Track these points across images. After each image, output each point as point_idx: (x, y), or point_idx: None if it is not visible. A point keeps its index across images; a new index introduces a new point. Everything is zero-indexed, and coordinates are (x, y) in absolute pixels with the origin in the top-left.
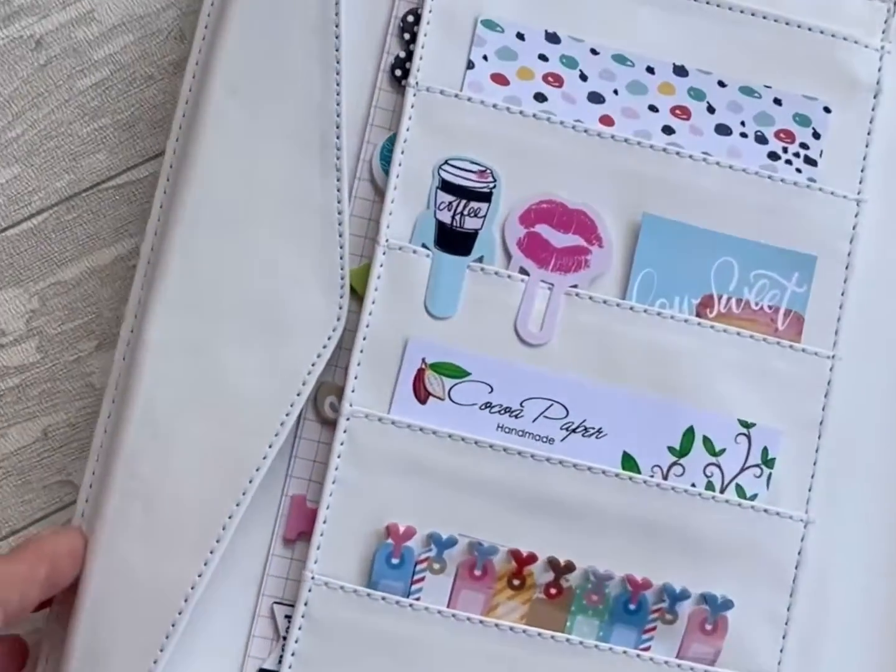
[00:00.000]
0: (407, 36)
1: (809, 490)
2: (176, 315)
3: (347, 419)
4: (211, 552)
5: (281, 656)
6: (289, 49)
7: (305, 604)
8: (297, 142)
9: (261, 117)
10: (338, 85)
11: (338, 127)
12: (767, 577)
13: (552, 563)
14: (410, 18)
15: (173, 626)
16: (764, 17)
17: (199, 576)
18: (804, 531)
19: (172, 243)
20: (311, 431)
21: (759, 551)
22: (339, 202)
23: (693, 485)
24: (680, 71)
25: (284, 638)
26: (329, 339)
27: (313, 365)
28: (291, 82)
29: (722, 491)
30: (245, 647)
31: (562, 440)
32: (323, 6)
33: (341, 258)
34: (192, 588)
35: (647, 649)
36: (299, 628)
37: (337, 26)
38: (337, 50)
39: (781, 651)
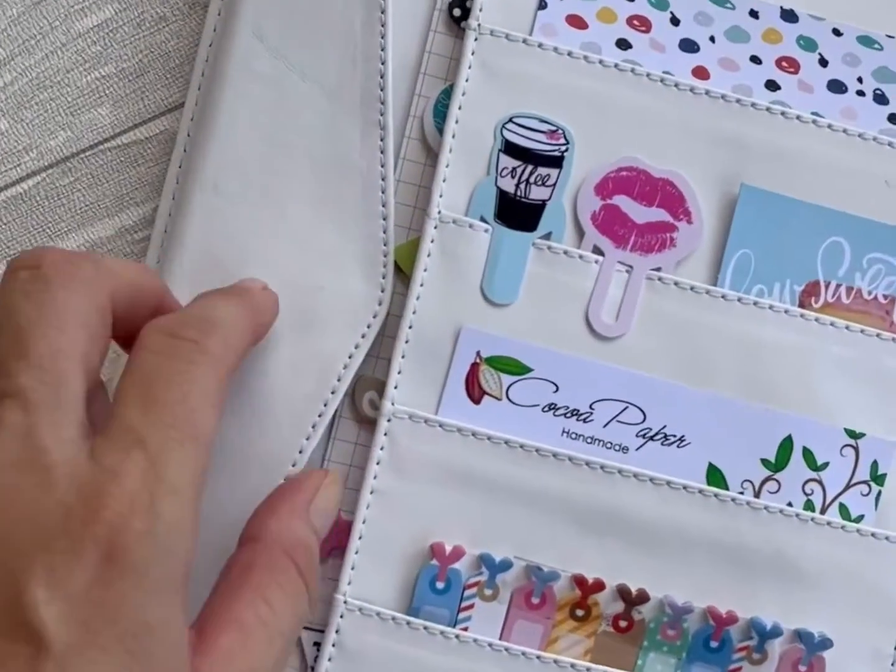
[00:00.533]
0: None
1: None
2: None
3: (389, 420)
4: None
5: None
6: None
7: (337, 631)
8: (333, 94)
9: (292, 65)
10: (382, 26)
11: (382, 76)
12: (873, 611)
13: (622, 592)
14: None
15: None
16: None
17: None
18: None
19: (190, 214)
20: (347, 432)
21: (865, 581)
22: (382, 165)
23: (790, 504)
24: (788, 16)
25: (312, 669)
26: (369, 326)
27: (350, 357)
28: (327, 23)
29: (823, 511)
30: None
31: (637, 449)
32: None
33: (384, 231)
34: None
35: None
36: (329, 659)
37: None
38: None
39: None
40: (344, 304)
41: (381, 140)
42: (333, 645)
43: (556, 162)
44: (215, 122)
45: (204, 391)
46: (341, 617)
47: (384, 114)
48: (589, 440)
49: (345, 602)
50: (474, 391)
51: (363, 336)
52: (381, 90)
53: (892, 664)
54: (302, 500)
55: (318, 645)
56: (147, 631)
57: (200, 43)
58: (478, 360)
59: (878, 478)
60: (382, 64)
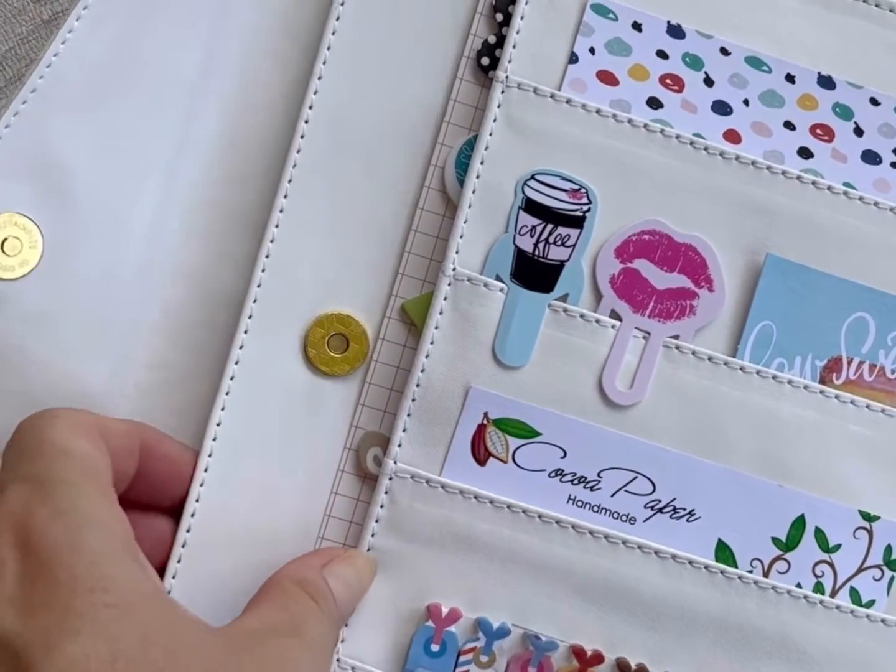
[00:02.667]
0: (499, 17)
1: None
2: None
3: (390, 478)
4: None
5: None
6: None
7: None
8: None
9: None
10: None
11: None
12: None
13: (621, 666)
14: None
15: None
16: None
17: None
18: None
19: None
20: (349, 487)
21: (872, 669)
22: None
23: (799, 585)
24: (826, 82)
25: None
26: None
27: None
28: None
29: (833, 595)
30: None
31: (645, 520)
32: None
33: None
34: None
35: None
36: None
37: None
38: None
39: None
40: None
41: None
42: None
43: (578, 222)
44: None
45: None
46: None
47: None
48: (595, 509)
49: (338, 660)
50: (480, 453)
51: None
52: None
53: None
54: (315, 558)
55: None
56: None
57: None
58: (485, 422)
59: (891, 562)
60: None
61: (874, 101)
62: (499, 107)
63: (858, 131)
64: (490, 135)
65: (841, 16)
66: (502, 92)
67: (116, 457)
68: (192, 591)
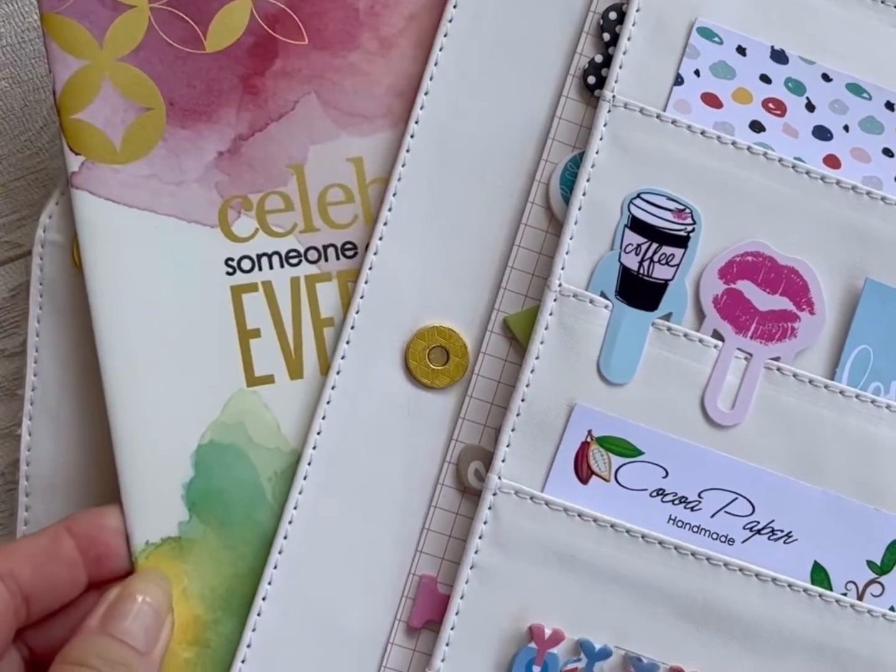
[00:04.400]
0: (606, 37)
1: None
2: None
3: (494, 494)
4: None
5: None
6: None
7: None
8: None
9: None
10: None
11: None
12: None
13: None
14: (613, 16)
15: None
16: None
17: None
18: None
19: None
20: (449, 501)
21: None
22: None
23: (892, 608)
24: None
25: None
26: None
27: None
28: None
29: None
30: None
31: (743, 542)
32: None
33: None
34: None
35: None
36: None
37: None
38: None
39: None
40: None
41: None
42: None
43: (682, 242)
44: None
45: None
46: None
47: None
48: (695, 529)
49: None
50: (583, 471)
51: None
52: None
53: None
54: (91, 620)
55: None
56: None
57: None
58: (588, 439)
59: None
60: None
61: None
62: (605, 125)
63: None
64: (597, 153)
65: None
66: (609, 111)
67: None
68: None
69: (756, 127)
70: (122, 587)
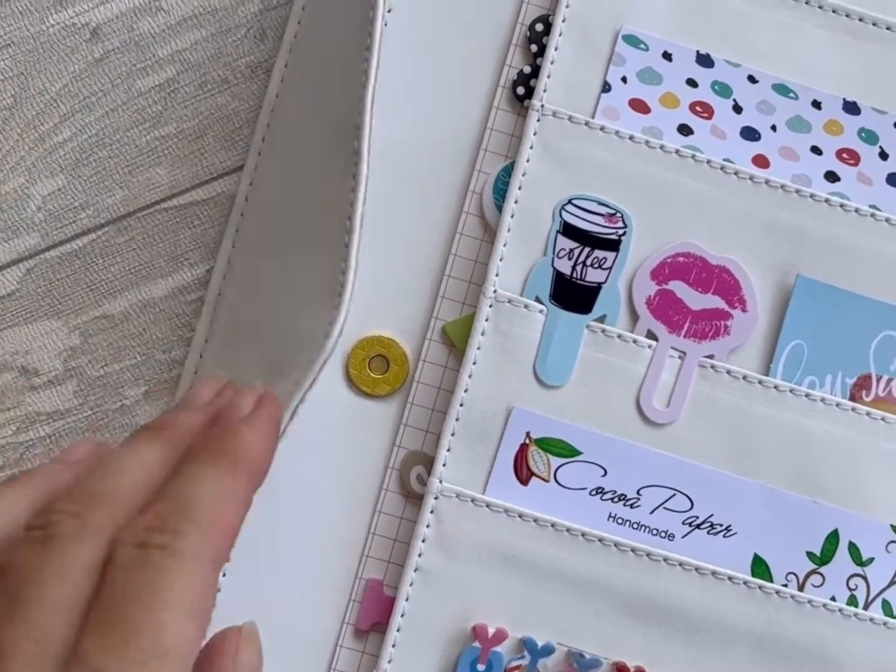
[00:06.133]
0: (534, 48)
1: None
2: (219, 357)
3: (436, 497)
4: None
5: None
6: (333, 17)
7: None
8: (328, 133)
9: (308, 113)
10: (368, 50)
11: (362, 100)
12: None
13: None
14: (540, 27)
15: None
16: None
17: None
18: None
19: (237, 279)
20: (393, 505)
21: None
22: (352, 191)
23: (833, 598)
24: (851, 108)
25: None
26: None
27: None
28: (330, 56)
29: (866, 607)
30: None
31: (683, 537)
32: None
33: (345, 260)
34: None
35: None
36: None
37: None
38: (373, 9)
39: None
40: (309, 344)
41: (355, 166)
42: None
43: (614, 245)
44: (265, 188)
45: (175, 600)
46: None
47: (359, 139)
48: (635, 526)
49: None
50: (523, 472)
51: (306, 372)
52: (360, 115)
53: None
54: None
55: None
56: None
57: (262, 107)
58: (527, 441)
59: None
60: (363, 88)
61: None
62: (535, 134)
63: (883, 155)
64: (527, 161)
65: (867, 43)
66: (538, 120)
67: None
68: None
69: (684, 130)
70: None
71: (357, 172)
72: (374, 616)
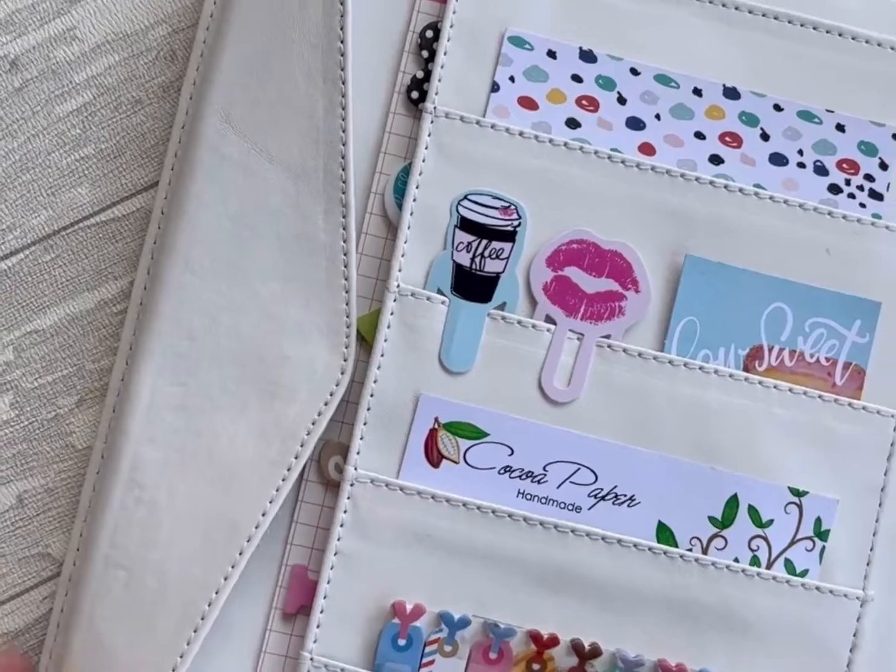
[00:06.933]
0: (425, 54)
1: (868, 565)
2: (166, 370)
3: (351, 484)
4: (194, 631)
5: None
6: (288, 68)
7: None
8: (298, 174)
9: (259, 148)
10: (343, 109)
11: (343, 157)
12: (819, 661)
13: (576, 647)
14: (430, 34)
15: None
16: (828, 32)
17: (181, 657)
18: (861, 610)
19: (163, 290)
20: (313, 494)
21: (809, 634)
22: (344, 241)
23: (736, 559)
24: (731, 93)
25: None
26: (331, 394)
27: (313, 424)
28: (291, 105)
29: (769, 566)
30: None
31: (589, 508)
32: (327, 19)
33: (347, 305)
34: (173, 671)
35: None
36: None
37: (342, 42)
38: (342, 69)
39: None
40: (308, 373)
41: (343, 217)
42: None
43: (510, 236)
44: (187, 201)
45: None
46: None
47: (346, 192)
48: (543, 500)
49: (311, 659)
50: (433, 455)
51: (326, 403)
52: (343, 170)
53: None
54: None
55: None
56: None
57: (174, 125)
58: (436, 426)
59: (821, 533)
60: (343, 145)
61: (777, 108)
62: (429, 135)
63: (765, 136)
64: (423, 161)
65: (742, 30)
66: (431, 122)
67: None
68: None
69: (572, 124)
70: None
71: (347, 224)
72: (300, 600)
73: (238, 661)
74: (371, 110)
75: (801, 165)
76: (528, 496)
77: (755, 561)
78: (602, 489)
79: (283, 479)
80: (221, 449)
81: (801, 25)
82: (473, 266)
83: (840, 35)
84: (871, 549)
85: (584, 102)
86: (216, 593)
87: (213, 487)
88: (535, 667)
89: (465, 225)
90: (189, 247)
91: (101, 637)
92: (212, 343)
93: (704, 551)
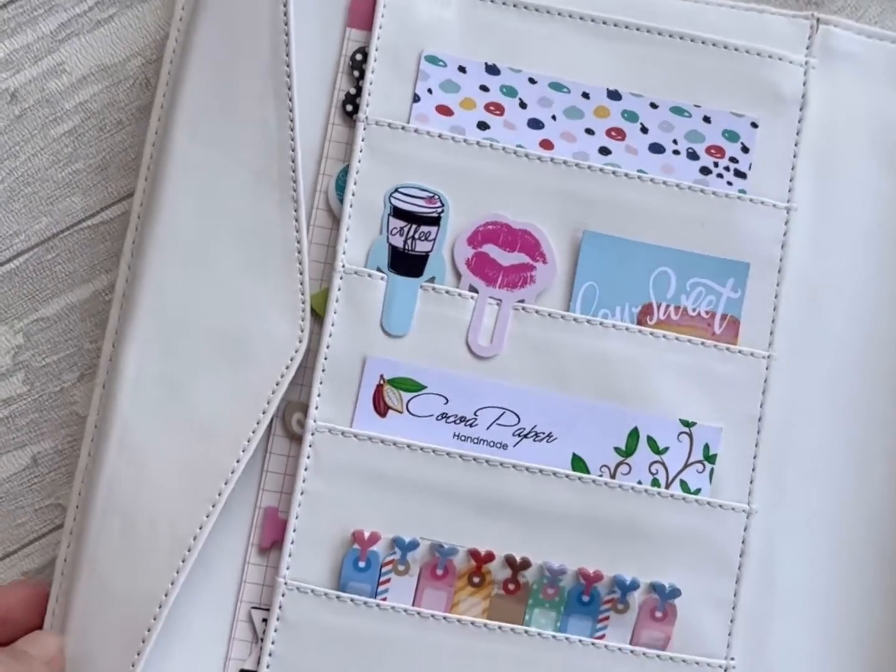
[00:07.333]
0: (356, 73)
1: (751, 482)
2: (148, 348)
3: (312, 434)
4: (182, 561)
5: (259, 657)
6: (243, 90)
7: (280, 607)
8: (256, 177)
9: (221, 157)
10: (291, 122)
11: (293, 161)
12: (713, 565)
13: (509, 561)
14: (359, 57)
15: (149, 630)
16: (692, 40)
17: (172, 583)
18: (747, 521)
19: (143, 280)
20: (280, 447)
21: (704, 541)
22: (297, 232)
23: (639, 482)
24: (614, 95)
25: (262, 640)
26: (291, 360)
27: (277, 385)
28: (248, 122)
29: (667, 487)
30: (226, 649)
31: (514, 445)
32: (274, 50)
33: (301, 285)
34: (166, 596)
35: (601, 637)
36: (275, 630)
37: (288, 66)
38: (289, 88)
39: (730, 635)
40: (271, 344)
41: (296, 211)
42: (278, 619)
43: (435, 221)
44: (161, 204)
45: None
46: (283, 595)
47: (296, 190)
48: (475, 441)
49: (285, 583)
50: (381, 407)
51: (287, 368)
52: (294, 172)
53: (733, 608)
54: None
55: (266, 621)
56: None
57: (146, 142)
58: (382, 382)
59: (709, 457)
60: (293, 151)
61: (653, 105)
62: (363, 140)
63: (644, 129)
64: (359, 162)
65: (617, 42)
66: (364, 129)
67: None
68: None
69: (482, 126)
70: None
71: (298, 217)
72: (272, 535)
73: (222, 591)
74: (313, 122)
75: (676, 152)
76: (462, 437)
77: (655, 483)
78: (524, 429)
79: (253, 432)
80: (200, 411)
81: (670, 36)
82: (406, 247)
83: (703, 43)
84: (753, 470)
85: (491, 108)
86: (200, 528)
87: (194, 443)
88: (476, 580)
89: (397, 213)
90: (163, 245)
91: (102, 579)
92: (186, 323)
93: (612, 476)
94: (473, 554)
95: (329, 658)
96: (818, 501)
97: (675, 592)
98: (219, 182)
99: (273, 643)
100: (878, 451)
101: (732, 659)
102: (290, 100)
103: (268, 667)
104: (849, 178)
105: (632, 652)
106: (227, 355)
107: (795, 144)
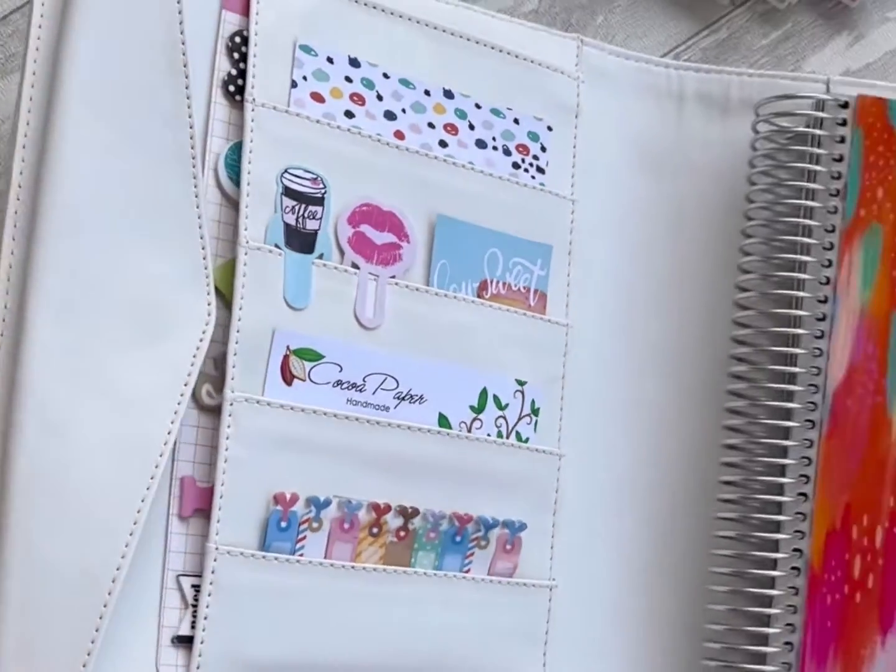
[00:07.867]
0: (236, 55)
1: (559, 431)
2: (57, 323)
3: (231, 404)
4: (130, 534)
5: (193, 622)
6: (140, 65)
7: (213, 572)
8: (156, 154)
9: (119, 130)
10: (188, 98)
11: (191, 137)
12: (539, 498)
13: (401, 511)
14: (238, 39)
15: (105, 606)
16: (500, 51)
17: (123, 557)
18: (559, 463)
19: (42, 256)
20: (190, 418)
21: (534, 481)
22: (197, 207)
23: (489, 434)
24: (448, 94)
25: (194, 605)
26: (204, 333)
27: (195, 356)
28: (145, 97)
29: (507, 437)
30: (158, 618)
31: (395, 408)
32: (168, 26)
33: (204, 258)
34: (118, 569)
35: (468, 571)
36: (209, 595)
37: (183, 44)
38: (185, 66)
39: (551, 559)
40: (182, 318)
41: (195, 188)
42: (211, 583)
43: (320, 202)
44: (52, 181)
45: None
46: (215, 560)
47: (195, 166)
48: (364, 404)
49: (216, 548)
50: (287, 376)
51: (201, 340)
52: (192, 148)
53: (552, 536)
54: None
55: (195, 587)
56: None
57: (20, 108)
58: (288, 353)
59: (535, 411)
60: (191, 128)
61: (477, 106)
62: (252, 121)
63: (472, 127)
64: (251, 142)
65: (447, 47)
66: (252, 110)
67: None
68: None
69: (349, 114)
70: None
71: (198, 193)
72: (193, 504)
73: (147, 561)
74: (196, 101)
75: (495, 148)
76: (354, 402)
77: (500, 434)
78: (402, 392)
79: (179, 404)
80: (118, 383)
81: (484, 45)
82: (298, 225)
83: (508, 53)
84: (560, 420)
85: (355, 98)
86: (142, 501)
87: (118, 416)
88: (374, 530)
89: (289, 192)
90: (61, 220)
91: (41, 554)
92: (93, 297)
93: (469, 430)
94: (374, 507)
95: (259, 616)
96: (620, 442)
97: (523, 527)
98: (117, 156)
99: (207, 607)
100: (646, 387)
101: (554, 580)
102: (186, 76)
103: (203, 630)
104: (608, 178)
105: (490, 581)
106: (140, 327)
107: (574, 147)
